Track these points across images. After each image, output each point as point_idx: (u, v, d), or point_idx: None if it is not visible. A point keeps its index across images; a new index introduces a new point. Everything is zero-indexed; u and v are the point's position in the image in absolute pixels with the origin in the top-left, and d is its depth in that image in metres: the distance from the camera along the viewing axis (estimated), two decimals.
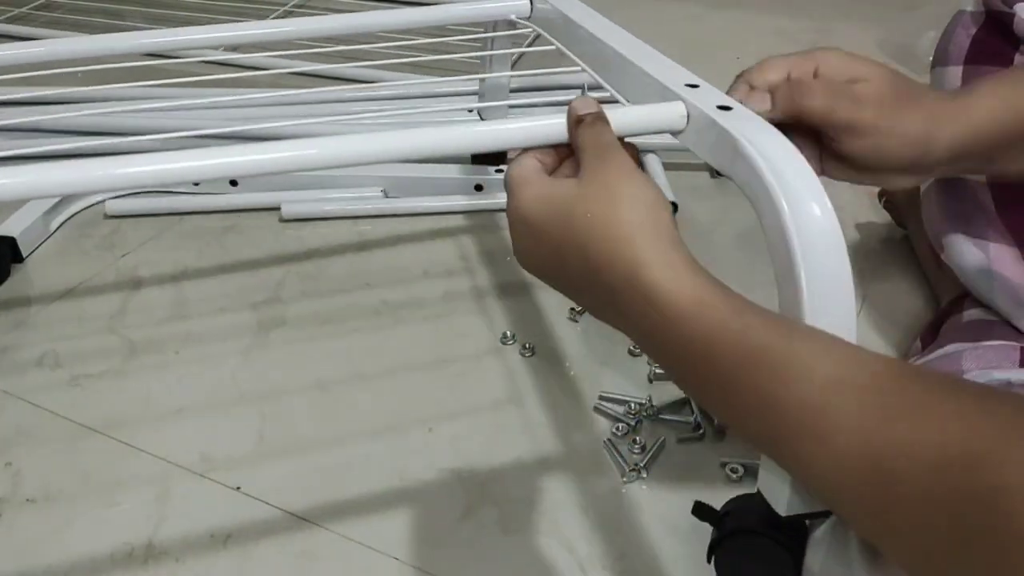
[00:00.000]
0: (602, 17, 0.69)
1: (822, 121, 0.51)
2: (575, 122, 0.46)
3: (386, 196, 1.02)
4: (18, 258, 0.94)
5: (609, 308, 0.42)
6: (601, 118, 0.46)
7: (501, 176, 1.00)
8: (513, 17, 0.79)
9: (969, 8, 0.69)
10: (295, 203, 1.00)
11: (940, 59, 0.71)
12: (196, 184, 1.02)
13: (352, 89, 1.18)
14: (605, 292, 0.41)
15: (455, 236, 0.97)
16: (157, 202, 1.02)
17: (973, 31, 0.68)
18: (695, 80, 0.53)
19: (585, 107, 0.46)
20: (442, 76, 1.25)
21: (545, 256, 0.44)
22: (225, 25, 0.75)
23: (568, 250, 0.42)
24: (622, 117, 0.49)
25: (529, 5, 0.79)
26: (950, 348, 0.64)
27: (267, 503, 0.66)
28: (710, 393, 0.39)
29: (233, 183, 1.01)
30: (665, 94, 0.53)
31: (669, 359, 0.40)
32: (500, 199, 1.00)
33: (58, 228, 1.00)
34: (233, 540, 0.64)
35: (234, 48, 1.23)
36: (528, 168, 0.46)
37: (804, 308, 0.41)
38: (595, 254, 0.41)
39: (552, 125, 0.48)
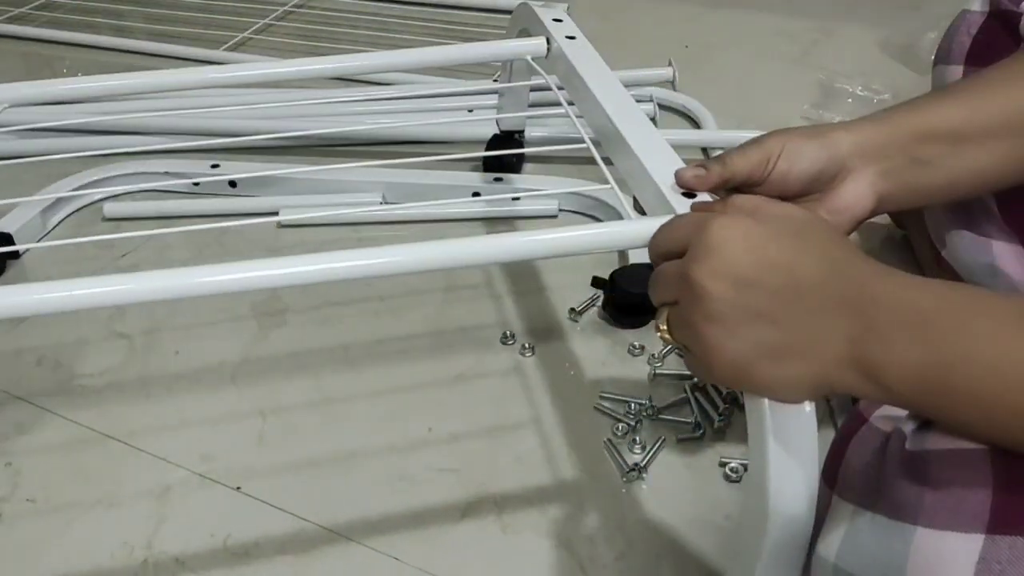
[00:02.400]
0: (609, 72, 0.69)
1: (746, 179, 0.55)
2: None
3: (385, 202, 1.01)
4: (14, 254, 0.94)
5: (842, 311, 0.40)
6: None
7: (499, 184, 1.00)
8: (529, 59, 0.78)
9: (974, 7, 0.69)
10: (293, 209, 0.99)
11: (942, 57, 0.71)
12: (196, 184, 1.02)
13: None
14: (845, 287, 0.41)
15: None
16: (156, 206, 1.01)
17: (975, 30, 0.68)
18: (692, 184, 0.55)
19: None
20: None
21: (783, 246, 0.42)
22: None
23: (810, 239, 0.42)
24: (619, 231, 0.53)
25: (546, 46, 0.77)
26: None
27: (267, 503, 0.66)
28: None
29: (232, 184, 1.01)
30: (659, 197, 0.55)
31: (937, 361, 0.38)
32: (497, 207, 0.99)
33: (56, 226, 1.00)
34: (233, 540, 0.64)
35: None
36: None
37: None
38: (839, 249, 0.42)
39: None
